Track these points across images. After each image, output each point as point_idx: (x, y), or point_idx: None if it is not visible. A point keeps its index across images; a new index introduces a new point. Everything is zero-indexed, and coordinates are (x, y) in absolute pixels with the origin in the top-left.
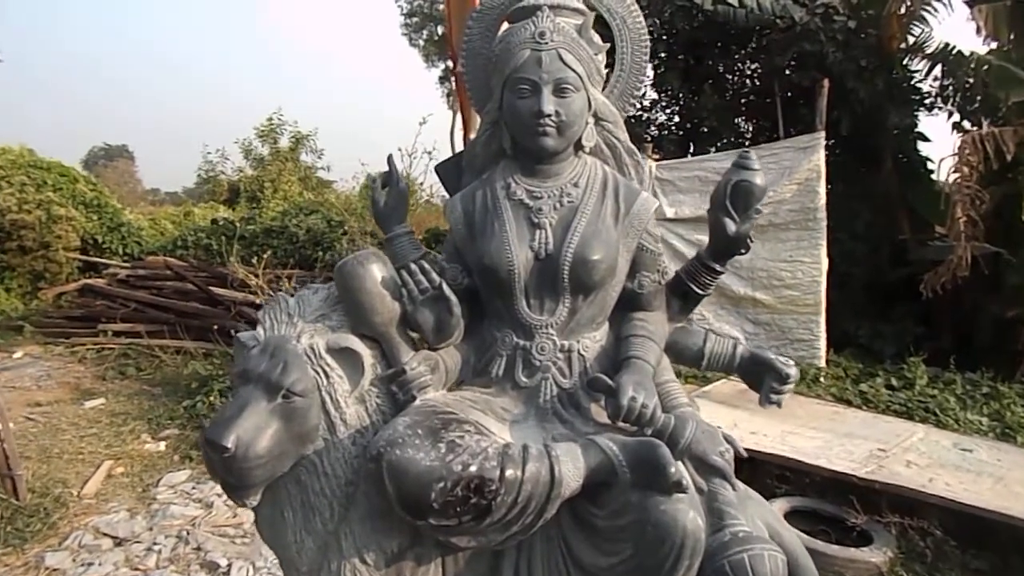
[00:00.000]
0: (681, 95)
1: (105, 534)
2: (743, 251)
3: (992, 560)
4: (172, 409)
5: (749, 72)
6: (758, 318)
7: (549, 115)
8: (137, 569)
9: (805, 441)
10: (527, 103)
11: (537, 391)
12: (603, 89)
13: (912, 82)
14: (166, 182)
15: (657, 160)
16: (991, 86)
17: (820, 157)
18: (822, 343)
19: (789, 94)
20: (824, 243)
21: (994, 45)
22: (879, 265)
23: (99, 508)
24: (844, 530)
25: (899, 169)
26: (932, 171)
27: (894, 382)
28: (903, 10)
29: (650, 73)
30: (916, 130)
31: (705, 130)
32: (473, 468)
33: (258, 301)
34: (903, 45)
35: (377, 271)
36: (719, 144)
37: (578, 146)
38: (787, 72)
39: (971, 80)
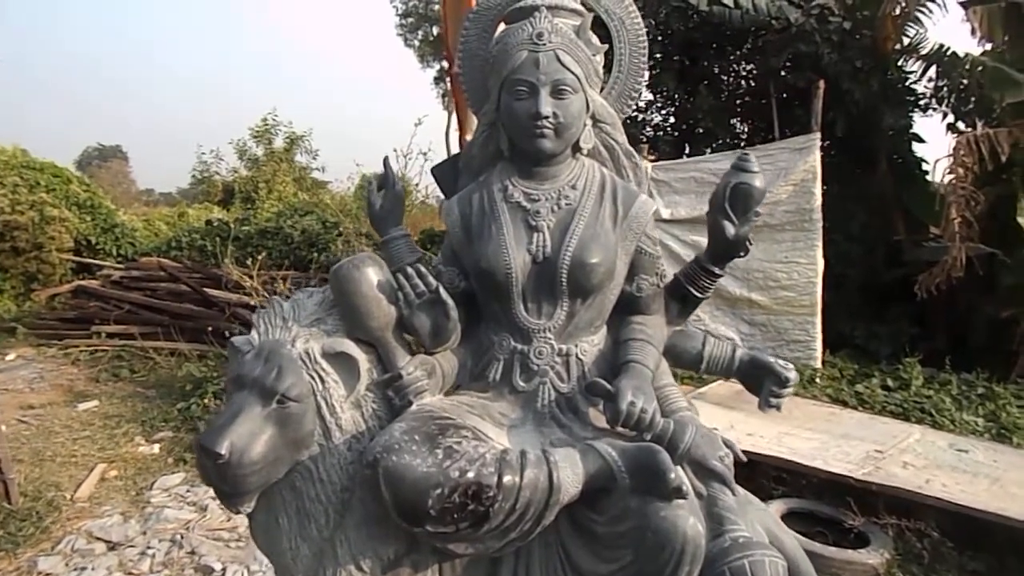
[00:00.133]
0: (676, 96)
1: (98, 538)
2: (742, 254)
3: (989, 561)
4: (166, 411)
5: (745, 73)
6: (754, 319)
7: (547, 117)
8: (131, 573)
9: (802, 442)
10: (524, 105)
11: (535, 395)
12: (601, 91)
13: (907, 83)
14: (160, 183)
15: (653, 161)
16: (986, 87)
17: (816, 158)
18: (818, 344)
19: (784, 95)
20: (820, 244)
21: (989, 46)
22: (874, 266)
23: (92, 512)
24: (841, 532)
25: (894, 170)
26: (927, 172)
27: (890, 383)
28: (898, 11)
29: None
30: (911, 131)
31: (701, 131)
32: (471, 474)
33: (253, 303)
34: (898, 46)
35: (373, 275)
36: (715, 145)
37: (576, 148)
38: (782, 73)
39: (965, 81)
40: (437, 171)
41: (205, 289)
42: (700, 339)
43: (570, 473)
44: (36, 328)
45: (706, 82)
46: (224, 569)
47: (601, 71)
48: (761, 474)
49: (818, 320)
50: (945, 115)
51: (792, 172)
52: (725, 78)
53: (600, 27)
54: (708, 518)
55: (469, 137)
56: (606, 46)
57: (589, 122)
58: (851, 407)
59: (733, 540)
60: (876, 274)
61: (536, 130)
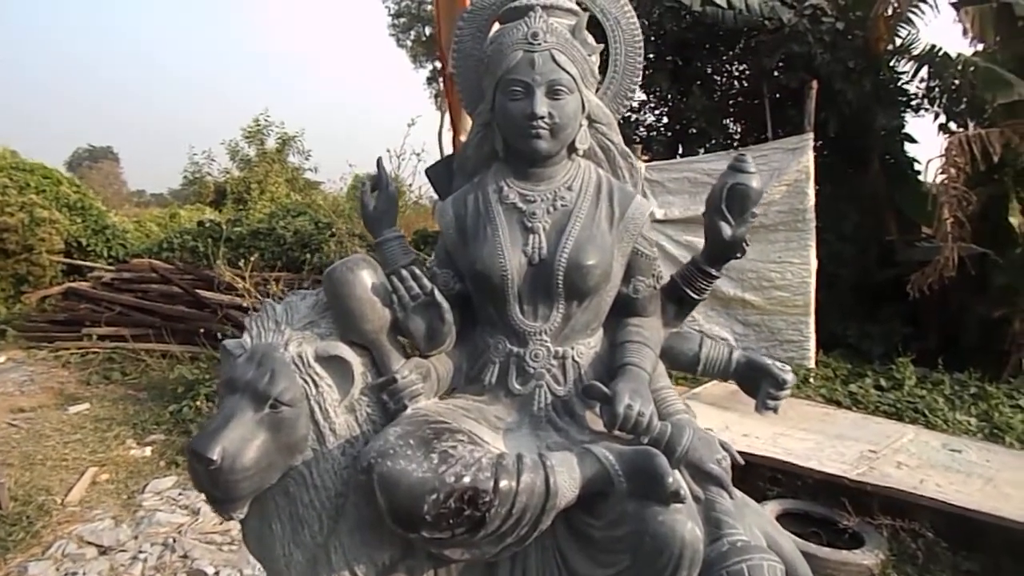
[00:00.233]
0: (669, 96)
1: (89, 543)
2: (739, 255)
3: (983, 561)
4: (158, 414)
5: (737, 73)
6: (747, 319)
7: (542, 117)
8: None
9: (796, 443)
10: (520, 105)
11: (531, 399)
12: (596, 91)
13: (899, 84)
14: (151, 183)
15: (646, 161)
16: (978, 88)
17: (809, 158)
18: (811, 344)
19: (777, 95)
20: (813, 244)
21: (980, 47)
22: (867, 266)
23: (83, 516)
24: (836, 532)
25: (886, 170)
26: (919, 172)
27: (883, 383)
28: (890, 12)
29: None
30: (903, 131)
31: (694, 131)
32: (467, 479)
33: (245, 304)
34: (890, 47)
35: (367, 277)
36: (708, 145)
37: (571, 149)
38: (775, 73)
39: (957, 82)
40: (431, 172)
41: (197, 291)
42: (697, 341)
43: (567, 477)
44: (26, 330)
45: (699, 82)
46: (217, 573)
47: (597, 71)
48: (756, 475)
49: (811, 320)
50: (937, 115)
51: (785, 172)
52: (718, 78)
53: (595, 27)
54: (706, 522)
55: (462, 138)
56: (601, 46)
57: (585, 122)
58: (845, 407)
59: (731, 544)
60: (868, 274)
61: (532, 131)
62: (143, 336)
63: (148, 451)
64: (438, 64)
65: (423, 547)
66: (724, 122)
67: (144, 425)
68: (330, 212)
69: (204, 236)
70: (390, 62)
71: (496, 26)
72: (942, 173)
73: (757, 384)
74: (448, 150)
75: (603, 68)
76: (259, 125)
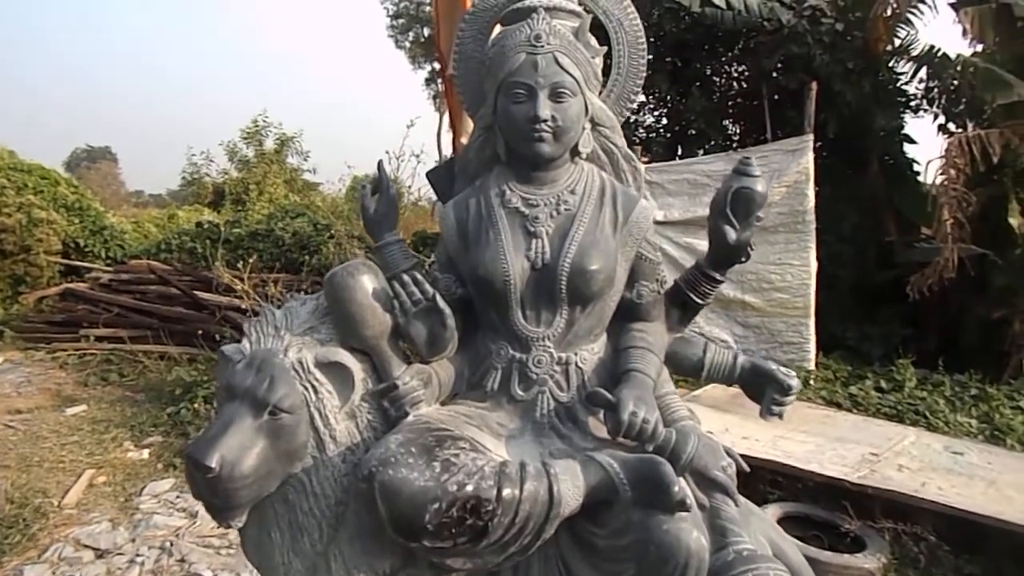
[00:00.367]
0: (669, 97)
1: (86, 546)
2: (744, 259)
3: (985, 565)
4: (156, 416)
5: (737, 74)
6: (747, 321)
7: (545, 120)
8: None
9: (797, 445)
10: (522, 108)
11: (534, 405)
12: (599, 93)
13: (898, 84)
14: (150, 184)
15: (646, 163)
16: (977, 88)
17: (809, 160)
18: (811, 346)
19: (776, 96)
20: (813, 246)
21: (979, 47)
22: (866, 267)
23: (80, 519)
24: (837, 536)
25: (886, 171)
26: (918, 173)
27: (883, 384)
28: (889, 13)
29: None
30: (902, 132)
31: (693, 132)
32: (469, 488)
33: (243, 306)
34: (889, 48)
35: (368, 282)
36: (707, 146)
37: (575, 152)
38: (775, 75)
39: (956, 82)
40: (432, 175)
41: (195, 292)
42: (701, 346)
43: (571, 485)
44: (23, 331)
45: (698, 83)
46: None
47: (600, 74)
48: (756, 478)
49: (811, 322)
50: (936, 116)
51: (785, 174)
52: (717, 79)
53: (598, 29)
54: (711, 530)
55: (463, 139)
56: (605, 48)
57: (588, 125)
58: (845, 409)
59: (737, 553)
60: (868, 275)
61: (534, 134)
62: (141, 337)
63: (146, 453)
64: (437, 65)
65: (424, 556)
66: (723, 123)
67: (142, 427)
68: (329, 213)
69: (202, 237)
70: (389, 63)
71: (498, 28)
72: (941, 174)
73: (762, 390)
74: (447, 151)
75: (606, 71)
76: (257, 126)
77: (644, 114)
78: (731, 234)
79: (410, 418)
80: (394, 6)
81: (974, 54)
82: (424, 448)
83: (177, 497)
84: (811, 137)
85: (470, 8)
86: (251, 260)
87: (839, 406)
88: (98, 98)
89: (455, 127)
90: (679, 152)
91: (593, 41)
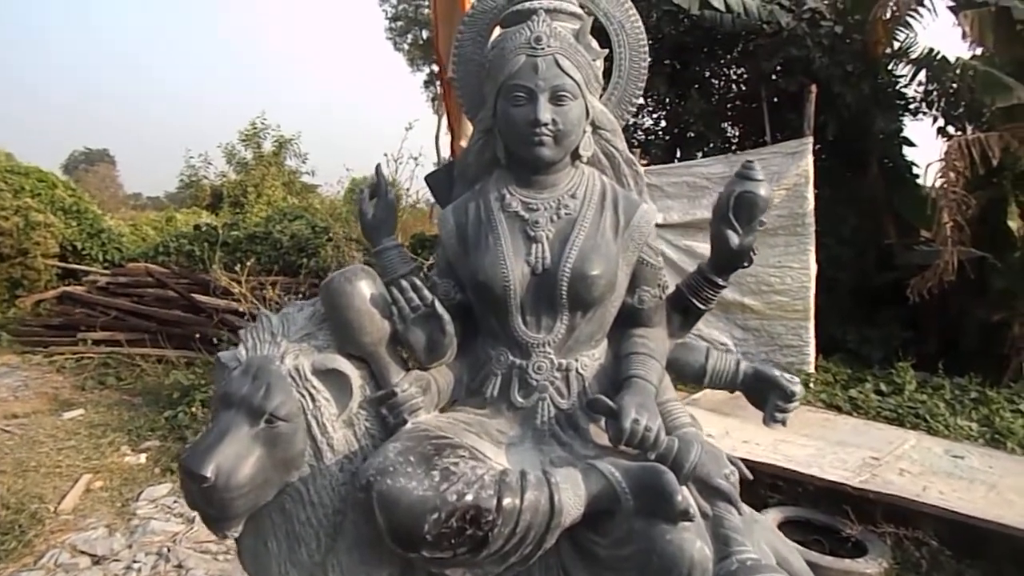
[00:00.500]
0: (668, 100)
1: (83, 552)
2: (746, 264)
3: (986, 569)
4: (153, 420)
5: (736, 77)
6: (747, 324)
7: (545, 124)
8: None
9: (797, 449)
10: (522, 111)
11: (534, 412)
12: (600, 96)
13: (897, 87)
14: (148, 187)
15: (645, 165)
16: (976, 91)
17: (808, 162)
18: (811, 349)
19: (776, 99)
20: (812, 248)
21: (979, 50)
22: (865, 270)
23: (77, 524)
24: (838, 540)
25: (885, 174)
26: (918, 176)
27: (883, 387)
28: (888, 15)
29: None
30: (902, 135)
31: (692, 135)
32: (469, 497)
33: (241, 309)
34: (888, 50)
35: (366, 288)
36: (706, 149)
37: (575, 156)
38: (774, 77)
39: (956, 85)
40: (431, 179)
41: (193, 295)
42: (703, 352)
43: (572, 495)
44: (21, 335)
45: (697, 86)
46: None
47: (601, 76)
48: (757, 482)
49: (811, 325)
50: (935, 119)
51: (785, 176)
52: (716, 82)
53: (599, 32)
54: (714, 539)
55: (461, 142)
56: (606, 51)
57: (589, 129)
58: (845, 412)
59: (741, 563)
60: (867, 278)
61: (535, 137)
62: (138, 341)
63: (143, 458)
64: (435, 67)
65: (423, 567)
66: (722, 126)
67: (139, 431)
68: (327, 216)
69: (200, 240)
70: (387, 65)
71: (497, 30)
72: (941, 177)
73: (765, 396)
74: (446, 154)
75: (607, 73)
76: (256, 128)
77: (643, 116)
78: (734, 239)
79: (409, 426)
80: (393, 8)
81: (973, 57)
82: (423, 457)
83: (174, 502)
84: (810, 140)
85: (469, 10)
86: (249, 263)
87: (839, 409)
88: (96, 100)
89: (454, 130)
90: (678, 155)
91: (594, 43)
